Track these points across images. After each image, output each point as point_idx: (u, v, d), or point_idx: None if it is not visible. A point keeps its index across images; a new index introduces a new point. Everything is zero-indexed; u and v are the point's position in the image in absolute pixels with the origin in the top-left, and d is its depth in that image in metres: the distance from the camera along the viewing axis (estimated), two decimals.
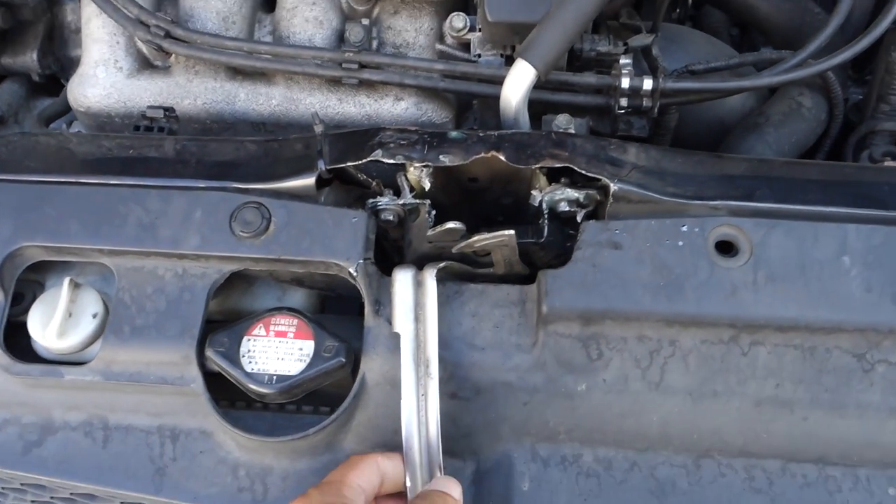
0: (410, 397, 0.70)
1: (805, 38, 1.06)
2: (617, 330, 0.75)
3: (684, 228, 0.76)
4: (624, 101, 0.92)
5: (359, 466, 0.68)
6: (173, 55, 0.99)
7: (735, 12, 1.18)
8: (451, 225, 0.76)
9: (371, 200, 0.79)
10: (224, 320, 0.89)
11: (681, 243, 0.76)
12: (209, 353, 0.75)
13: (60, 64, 1.15)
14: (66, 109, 1.10)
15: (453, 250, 0.80)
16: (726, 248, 0.76)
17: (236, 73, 0.99)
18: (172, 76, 0.98)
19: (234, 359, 0.75)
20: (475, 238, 0.76)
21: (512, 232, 0.74)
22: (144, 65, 1.00)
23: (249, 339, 0.76)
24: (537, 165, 0.76)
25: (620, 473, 0.76)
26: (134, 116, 0.97)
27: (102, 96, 0.98)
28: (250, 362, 0.75)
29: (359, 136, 0.80)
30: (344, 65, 0.92)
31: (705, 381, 0.75)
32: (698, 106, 1.05)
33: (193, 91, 0.97)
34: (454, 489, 0.68)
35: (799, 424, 0.75)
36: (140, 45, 0.99)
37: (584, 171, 0.76)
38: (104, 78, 0.98)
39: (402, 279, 0.76)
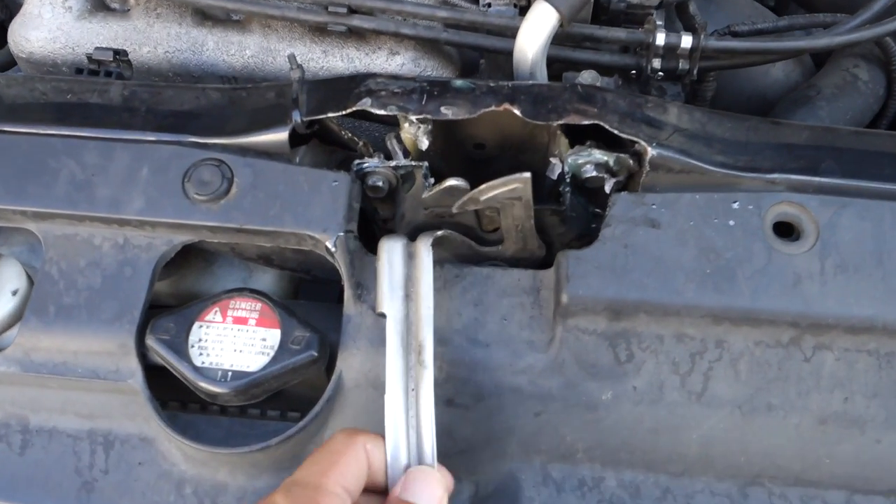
0: (397, 393, 0.56)
1: (855, 6, 0.93)
2: (652, 326, 0.62)
3: (736, 205, 0.63)
4: (657, 62, 0.79)
5: (342, 461, 0.51)
6: None
7: None
8: (452, 182, 0.62)
9: (357, 161, 0.65)
10: (178, 306, 0.75)
11: (732, 223, 0.63)
12: (150, 341, 0.62)
13: (9, 11, 1.01)
14: (12, 61, 0.95)
15: (454, 208, 0.66)
16: (787, 230, 0.64)
17: (205, 17, 0.85)
18: (130, 19, 0.84)
19: (180, 349, 0.61)
20: (481, 188, 0.63)
21: (528, 175, 0.60)
22: (98, 6, 0.86)
23: (202, 326, 0.62)
24: (560, 122, 0.63)
25: (650, 502, 0.62)
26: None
27: (47, 40, 0.84)
28: (201, 353, 0.61)
29: (343, 83, 0.66)
30: (330, 8, 0.78)
31: (758, 392, 0.63)
32: (737, 76, 0.92)
33: (154, 37, 0.83)
34: (435, 488, 0.52)
35: (870, 448, 0.63)
36: None
37: (616, 131, 0.63)
38: (50, 19, 0.84)
39: (391, 249, 0.62)
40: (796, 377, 0.62)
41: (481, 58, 0.87)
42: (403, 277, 0.60)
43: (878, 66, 0.90)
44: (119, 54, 0.75)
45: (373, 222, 0.75)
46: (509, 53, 0.75)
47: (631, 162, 0.64)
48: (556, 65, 0.80)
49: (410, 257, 0.62)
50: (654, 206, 0.63)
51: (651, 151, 0.63)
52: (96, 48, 0.75)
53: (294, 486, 0.49)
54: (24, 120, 0.68)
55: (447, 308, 0.64)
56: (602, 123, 0.62)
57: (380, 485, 0.53)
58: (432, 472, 0.53)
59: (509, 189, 0.62)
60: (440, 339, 0.62)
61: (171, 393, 0.67)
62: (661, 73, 0.80)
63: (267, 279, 0.74)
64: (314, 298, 0.77)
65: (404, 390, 0.56)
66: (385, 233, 0.75)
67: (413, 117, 0.63)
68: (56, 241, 0.66)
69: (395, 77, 0.66)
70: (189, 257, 0.73)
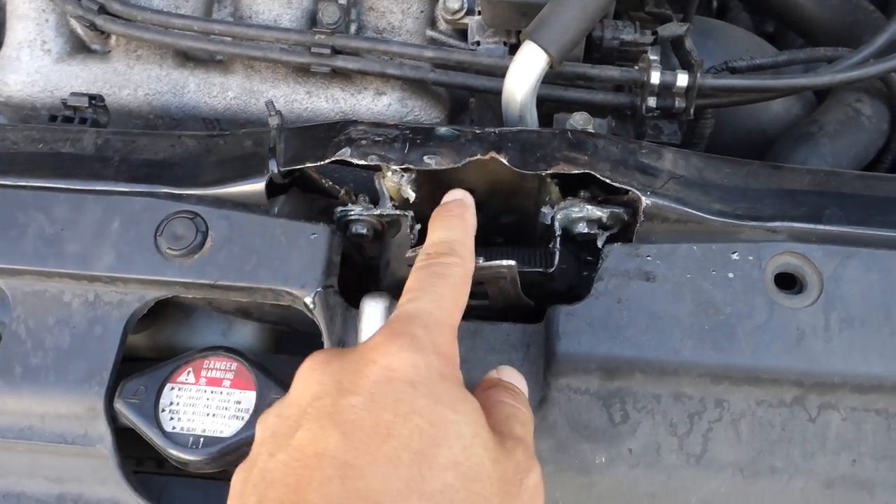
0: None
1: (857, 38, 0.91)
2: (648, 386, 0.59)
3: (735, 256, 0.60)
4: (652, 101, 0.76)
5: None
6: (113, 38, 0.83)
7: (771, 11, 1.02)
8: None
9: (340, 209, 0.62)
10: (156, 358, 0.72)
11: (731, 275, 0.60)
12: (118, 405, 0.59)
13: None
14: None
15: None
16: (789, 282, 0.61)
17: (186, 59, 0.83)
18: (110, 62, 0.82)
19: (149, 413, 0.58)
20: None
21: (513, 263, 0.57)
22: (78, 48, 0.84)
23: (173, 388, 0.59)
24: (549, 171, 0.60)
25: None
26: None
27: (25, 83, 0.82)
28: (172, 418, 0.58)
29: (322, 131, 0.64)
30: (314, 49, 0.76)
31: (761, 455, 0.59)
32: (737, 111, 0.89)
33: (134, 79, 0.81)
34: (517, 379, 0.53)
35: None
36: (74, 24, 0.83)
37: (608, 180, 0.60)
38: (28, 62, 0.82)
39: (372, 312, 0.59)
40: (801, 438, 0.59)
41: (471, 96, 0.84)
42: None
43: (881, 100, 0.87)
44: (94, 99, 0.73)
45: (356, 258, 0.72)
46: (499, 93, 0.73)
47: (625, 215, 0.61)
48: (547, 104, 0.77)
49: None
50: (649, 258, 0.60)
51: (645, 201, 0.60)
52: (71, 94, 0.73)
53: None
54: None
55: None
56: (593, 173, 0.59)
57: None
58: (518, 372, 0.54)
59: (494, 271, 0.59)
60: None
61: (146, 449, 0.64)
62: (657, 111, 0.78)
63: (247, 332, 0.71)
64: (298, 349, 0.74)
65: None
66: (368, 271, 0.72)
67: (395, 167, 0.61)
68: (24, 298, 0.63)
69: (376, 124, 0.63)
70: (166, 309, 0.70)
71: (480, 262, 0.57)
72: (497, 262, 0.58)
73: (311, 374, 0.45)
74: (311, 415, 0.42)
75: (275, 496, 0.40)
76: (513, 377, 0.53)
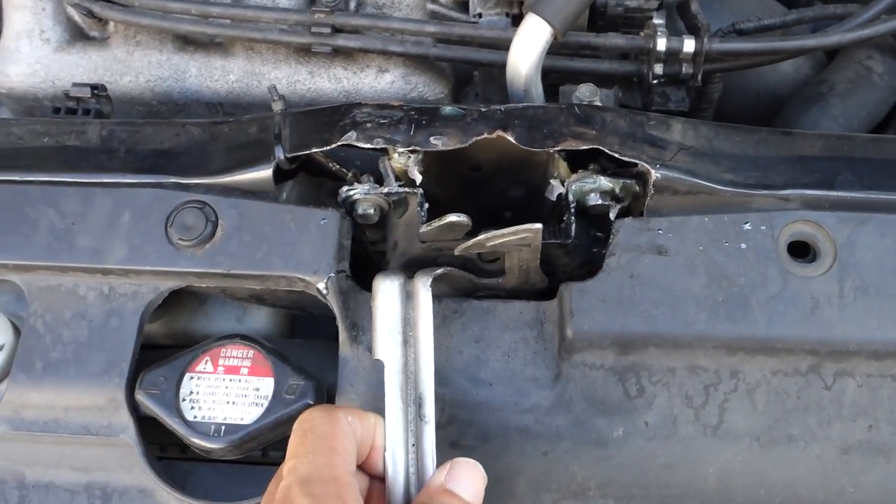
0: (398, 448, 0.53)
1: None
2: (663, 359, 0.59)
3: (748, 226, 0.60)
4: (659, 68, 0.75)
5: (339, 445, 0.49)
6: (111, 24, 0.82)
7: None
8: (452, 218, 0.58)
9: (345, 188, 0.62)
10: (173, 345, 0.73)
11: (744, 245, 0.60)
12: (140, 396, 0.59)
13: None
14: None
15: (456, 251, 0.62)
16: (802, 250, 0.61)
17: (186, 43, 0.82)
18: (110, 49, 0.82)
19: (171, 403, 0.59)
20: (488, 235, 0.58)
21: (539, 226, 0.56)
22: (77, 36, 0.83)
23: (192, 377, 0.60)
24: (557, 148, 0.59)
25: None
26: None
27: (26, 74, 0.82)
28: (192, 407, 0.59)
29: (327, 115, 0.63)
30: (314, 29, 0.75)
31: (777, 423, 0.60)
32: (744, 74, 0.87)
33: (135, 66, 0.81)
34: (466, 486, 0.50)
35: None
36: (70, 11, 0.82)
37: (616, 154, 0.59)
38: (28, 52, 0.82)
39: (387, 290, 0.59)
40: (817, 406, 0.59)
41: (475, 69, 0.83)
42: (401, 320, 0.57)
43: (892, 56, 0.85)
44: (97, 89, 0.72)
45: (362, 245, 0.72)
46: (503, 66, 0.72)
47: (637, 188, 0.61)
48: (552, 75, 0.76)
49: (408, 297, 0.58)
50: (660, 232, 0.60)
51: (655, 174, 0.59)
52: (73, 84, 0.72)
53: (309, 482, 0.46)
54: (1, 167, 0.66)
55: (447, 346, 0.61)
56: (602, 147, 0.59)
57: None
58: (476, 464, 0.52)
59: (519, 238, 0.58)
60: (441, 380, 0.60)
61: (169, 435, 0.65)
62: (663, 79, 0.76)
63: (261, 317, 0.71)
64: (312, 332, 0.75)
65: (405, 446, 0.53)
66: (376, 257, 0.72)
67: (402, 149, 0.60)
68: (40, 293, 0.63)
69: (380, 106, 0.62)
70: (180, 297, 0.70)
71: (505, 229, 0.56)
72: (524, 227, 0.57)
73: None
74: None
75: None
76: (462, 476, 0.51)
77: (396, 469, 0.53)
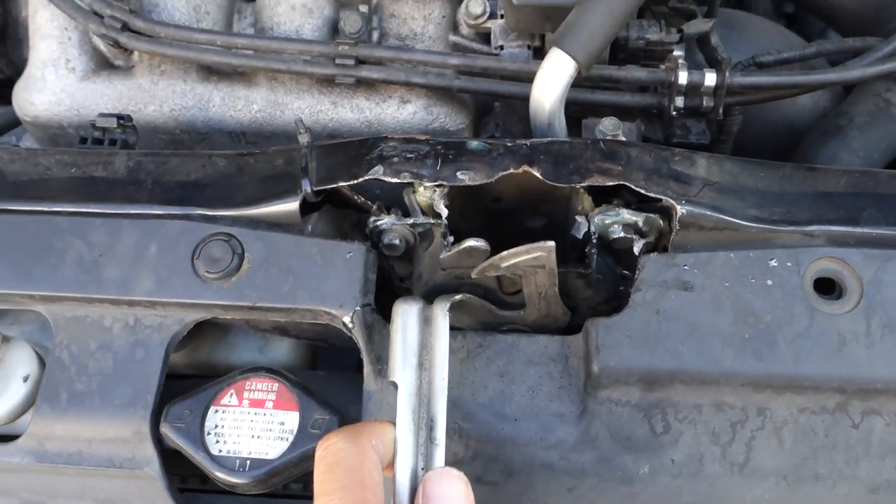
0: (406, 471, 0.52)
1: (884, 23, 0.89)
2: (689, 396, 0.59)
3: (773, 263, 0.60)
4: (680, 101, 0.75)
5: (368, 479, 0.48)
6: (136, 53, 0.83)
7: None
8: (471, 243, 0.59)
9: (373, 219, 0.63)
10: (194, 375, 0.73)
11: (770, 282, 0.59)
12: (165, 429, 0.59)
13: (15, 67, 0.99)
14: (18, 120, 0.94)
15: (473, 274, 0.62)
16: (829, 287, 0.60)
17: (210, 73, 0.82)
18: (134, 78, 0.82)
19: (196, 437, 0.59)
20: (502, 255, 0.59)
21: (552, 244, 0.57)
22: (102, 65, 0.84)
23: (217, 411, 0.60)
24: (583, 184, 0.59)
25: None
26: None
27: (52, 103, 0.82)
28: (217, 441, 0.59)
29: (354, 148, 0.64)
30: (338, 60, 0.76)
31: (804, 462, 0.59)
32: (763, 106, 0.88)
33: (159, 95, 0.81)
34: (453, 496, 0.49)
35: None
36: (96, 41, 0.83)
37: (642, 190, 0.59)
38: (53, 81, 0.82)
39: (405, 314, 0.59)
40: (844, 445, 0.59)
41: (496, 100, 0.84)
42: (418, 344, 0.57)
43: None
44: (123, 119, 0.73)
45: (390, 281, 0.72)
46: (525, 98, 0.72)
47: (661, 222, 0.61)
48: (573, 107, 0.77)
49: (426, 322, 0.59)
50: (686, 268, 0.60)
51: (680, 209, 0.59)
52: (99, 115, 0.73)
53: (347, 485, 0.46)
54: (29, 197, 0.66)
55: (472, 380, 0.61)
56: (628, 184, 0.59)
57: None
58: (447, 471, 0.50)
59: (532, 257, 0.58)
60: (466, 415, 0.60)
61: (189, 466, 0.65)
62: (683, 112, 0.77)
63: (283, 348, 0.72)
64: (333, 364, 0.75)
65: (413, 469, 0.52)
66: (403, 292, 0.72)
67: (428, 184, 0.61)
68: (66, 324, 0.64)
69: (406, 140, 0.63)
70: (203, 327, 0.70)
71: (520, 248, 0.56)
72: (536, 245, 0.57)
73: None
74: None
75: None
76: (440, 487, 0.49)
77: (402, 493, 0.52)
